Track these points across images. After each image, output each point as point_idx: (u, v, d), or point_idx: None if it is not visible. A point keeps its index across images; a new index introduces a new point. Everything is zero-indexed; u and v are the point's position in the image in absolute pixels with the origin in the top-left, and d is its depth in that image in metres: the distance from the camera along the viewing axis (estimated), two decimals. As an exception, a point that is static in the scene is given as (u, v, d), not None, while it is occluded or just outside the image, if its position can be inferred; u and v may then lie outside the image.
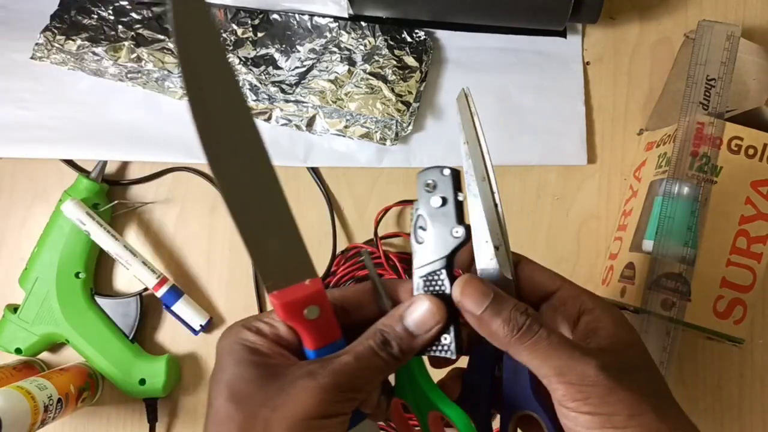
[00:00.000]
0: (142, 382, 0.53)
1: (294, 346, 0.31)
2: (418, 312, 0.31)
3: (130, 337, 0.54)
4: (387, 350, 0.30)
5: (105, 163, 0.56)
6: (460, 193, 0.32)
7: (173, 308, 0.55)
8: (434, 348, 0.32)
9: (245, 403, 0.28)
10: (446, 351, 0.31)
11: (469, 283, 0.31)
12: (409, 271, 0.55)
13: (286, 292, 0.29)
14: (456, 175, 0.32)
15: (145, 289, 0.56)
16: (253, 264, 0.30)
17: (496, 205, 0.33)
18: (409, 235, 0.57)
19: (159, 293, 0.54)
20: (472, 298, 0.30)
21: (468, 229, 0.32)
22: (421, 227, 0.33)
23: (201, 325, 0.55)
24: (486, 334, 0.30)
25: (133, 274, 0.54)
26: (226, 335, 0.31)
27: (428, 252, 0.32)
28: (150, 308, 0.56)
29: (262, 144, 0.30)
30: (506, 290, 0.32)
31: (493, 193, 0.33)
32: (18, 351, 0.53)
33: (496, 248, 0.33)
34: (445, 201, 0.32)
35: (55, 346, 0.56)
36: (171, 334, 0.57)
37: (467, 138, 0.35)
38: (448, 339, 0.31)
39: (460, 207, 0.32)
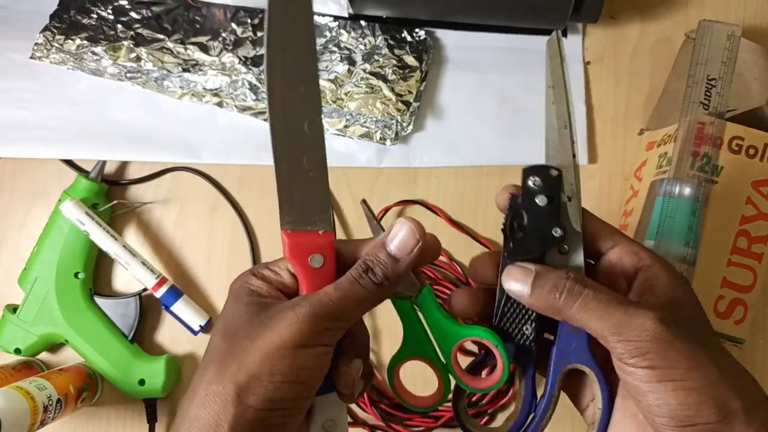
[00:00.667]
0: (142, 382, 0.53)
1: (293, 294, 0.31)
2: (399, 234, 0.31)
3: (130, 338, 0.54)
4: (369, 277, 0.30)
5: (104, 163, 0.56)
6: (563, 194, 0.33)
7: (172, 308, 0.55)
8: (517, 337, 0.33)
9: (231, 335, 0.29)
10: (527, 340, 0.33)
11: (511, 270, 0.32)
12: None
13: (299, 234, 0.31)
14: (561, 177, 0.33)
15: (145, 290, 0.55)
16: (279, 202, 0.32)
17: (573, 156, 0.33)
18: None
19: (158, 293, 0.54)
20: (517, 281, 0.31)
21: (565, 230, 0.32)
22: (518, 221, 0.33)
23: (200, 326, 0.55)
24: (541, 309, 0.31)
25: (132, 275, 0.54)
26: (236, 279, 0.33)
27: (524, 246, 0.33)
28: (149, 308, 0.56)
29: (319, 108, 0.31)
30: (575, 242, 0.32)
31: (573, 143, 0.33)
32: (17, 351, 0.53)
33: (569, 199, 0.33)
34: (551, 200, 0.33)
35: (55, 347, 0.56)
36: (170, 335, 0.57)
37: (554, 82, 0.35)
38: (528, 330, 0.33)
39: (563, 208, 0.33)
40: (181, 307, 0.55)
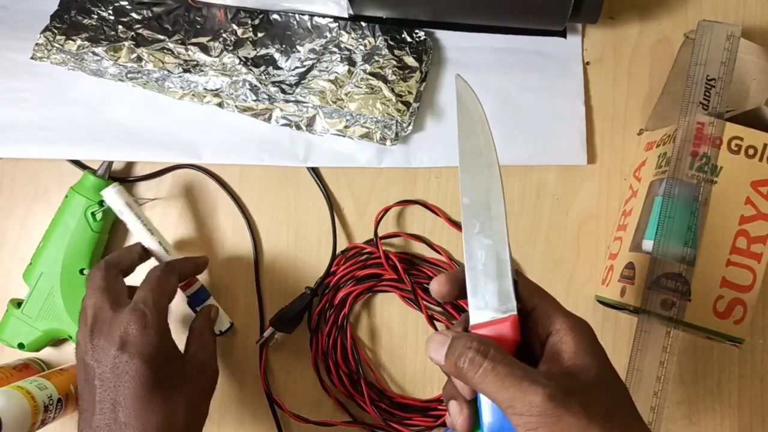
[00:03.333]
0: (143, 381, 0.53)
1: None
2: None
3: (132, 336, 0.54)
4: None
5: (111, 160, 0.56)
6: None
7: (199, 308, 0.54)
8: None
9: None
10: None
11: (432, 338, 0.33)
12: (408, 271, 0.56)
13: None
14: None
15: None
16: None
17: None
18: (409, 235, 0.57)
19: (187, 292, 0.54)
20: (435, 351, 0.33)
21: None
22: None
23: (221, 330, 0.55)
24: (452, 375, 0.33)
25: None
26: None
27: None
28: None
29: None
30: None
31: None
32: (21, 346, 0.53)
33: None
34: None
35: (57, 342, 0.56)
36: (175, 333, 0.56)
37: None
38: None
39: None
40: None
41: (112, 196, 0.52)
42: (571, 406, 0.29)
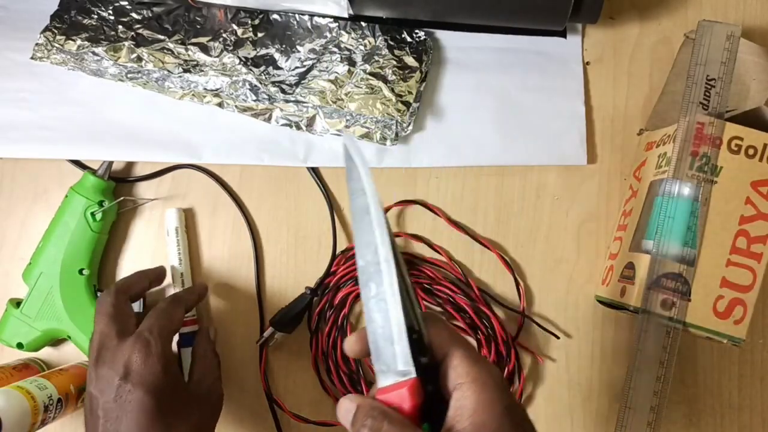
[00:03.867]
0: (143, 381, 0.53)
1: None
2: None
3: (132, 336, 0.54)
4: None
5: (111, 160, 0.56)
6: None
7: (183, 350, 0.54)
8: None
9: None
10: None
11: (342, 403, 0.34)
12: (409, 271, 0.56)
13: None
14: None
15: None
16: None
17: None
18: (409, 235, 0.57)
19: (183, 329, 0.54)
20: (342, 416, 0.34)
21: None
22: None
23: None
24: None
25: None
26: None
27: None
28: (152, 306, 0.56)
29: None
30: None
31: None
32: (20, 346, 0.53)
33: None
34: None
35: (56, 342, 0.56)
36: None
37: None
38: None
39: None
40: (189, 356, 0.54)
41: (173, 216, 0.56)
42: None
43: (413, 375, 0.32)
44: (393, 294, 0.32)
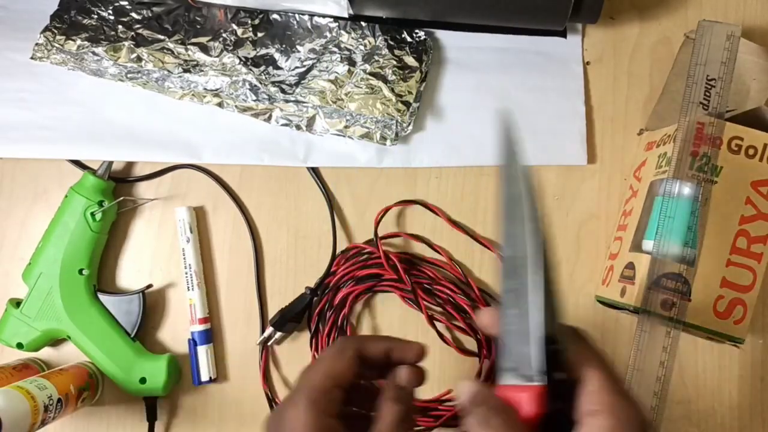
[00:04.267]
0: (143, 380, 0.53)
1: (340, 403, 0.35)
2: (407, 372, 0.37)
3: (132, 335, 0.54)
4: None
5: (111, 160, 0.56)
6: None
7: (198, 348, 0.55)
8: None
9: None
10: None
11: (465, 385, 0.32)
12: (408, 271, 0.56)
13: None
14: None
15: (149, 287, 0.56)
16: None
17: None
18: (409, 235, 0.57)
19: (195, 328, 0.55)
20: (464, 396, 0.32)
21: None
22: None
23: (205, 380, 0.55)
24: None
25: (188, 297, 0.56)
26: (301, 408, 0.34)
27: None
28: (152, 307, 0.56)
29: None
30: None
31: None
32: (20, 346, 0.53)
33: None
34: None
35: (56, 342, 0.56)
36: (172, 334, 0.57)
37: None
38: None
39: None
40: (204, 352, 0.55)
41: (185, 214, 0.56)
42: None
43: (540, 383, 0.30)
44: (536, 293, 0.30)
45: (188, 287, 0.56)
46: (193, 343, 0.55)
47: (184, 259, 0.56)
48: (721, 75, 0.49)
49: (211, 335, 0.56)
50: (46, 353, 0.56)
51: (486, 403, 0.30)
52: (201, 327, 0.55)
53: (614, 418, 0.29)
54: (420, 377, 0.37)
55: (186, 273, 0.56)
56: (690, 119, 0.49)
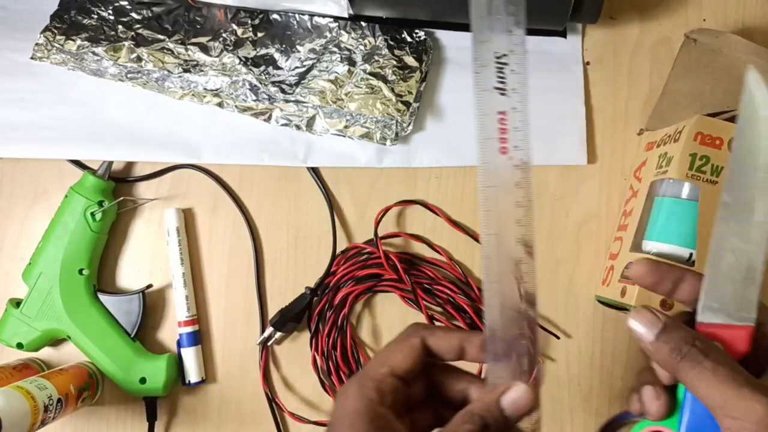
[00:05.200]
0: (143, 380, 0.53)
1: (403, 397, 0.33)
2: (516, 396, 0.32)
3: (132, 335, 0.54)
4: None
5: (111, 160, 0.56)
6: None
7: (184, 349, 0.55)
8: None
9: None
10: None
11: (641, 312, 0.31)
12: (408, 271, 0.56)
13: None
14: None
15: (149, 287, 0.56)
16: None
17: None
18: (409, 235, 0.57)
19: (182, 330, 0.55)
20: (643, 325, 0.31)
21: None
22: None
23: (193, 381, 0.55)
24: (656, 360, 0.31)
25: (175, 298, 0.56)
26: (350, 395, 0.32)
27: None
28: (152, 307, 0.56)
29: None
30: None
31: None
32: (20, 346, 0.53)
33: None
34: None
35: (56, 342, 0.56)
36: (172, 334, 0.57)
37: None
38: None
39: None
40: (190, 354, 0.55)
41: (173, 216, 0.56)
42: None
43: (751, 323, 0.31)
44: (761, 241, 0.31)
45: (173, 289, 0.56)
46: (179, 346, 0.55)
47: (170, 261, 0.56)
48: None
49: (199, 337, 0.56)
50: (46, 353, 0.56)
51: (689, 342, 0.30)
52: (189, 329, 0.55)
53: None
54: (528, 404, 0.32)
55: (173, 276, 0.56)
56: (688, 119, 0.48)
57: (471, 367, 0.38)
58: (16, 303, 0.54)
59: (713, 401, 0.29)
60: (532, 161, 0.33)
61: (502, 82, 0.36)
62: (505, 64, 0.35)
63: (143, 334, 0.56)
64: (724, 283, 0.31)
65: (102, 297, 0.55)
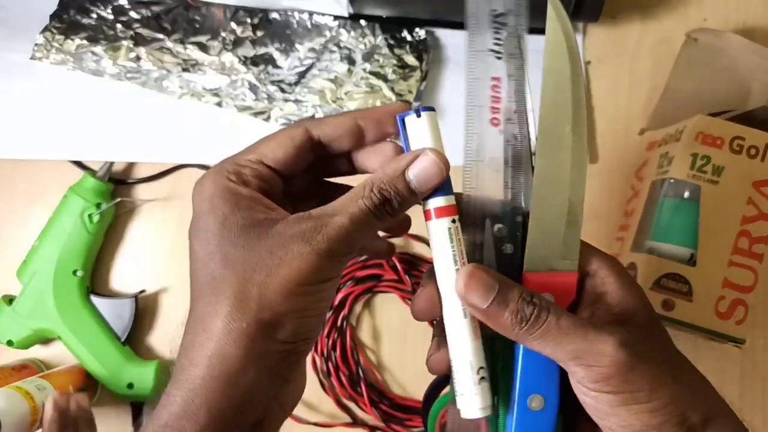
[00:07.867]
0: (131, 386, 0.53)
1: (273, 192, 0.29)
2: (422, 166, 0.30)
3: (123, 340, 0.54)
4: (386, 210, 0.28)
5: (112, 162, 0.56)
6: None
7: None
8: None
9: (235, 264, 0.27)
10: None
11: (473, 276, 0.28)
12: (409, 271, 0.55)
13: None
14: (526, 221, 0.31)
15: (142, 292, 0.55)
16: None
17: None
18: (409, 235, 0.57)
19: None
20: (476, 292, 0.28)
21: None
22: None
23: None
24: (495, 327, 0.28)
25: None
26: (205, 183, 0.29)
27: None
28: (144, 311, 0.56)
29: None
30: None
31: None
32: (9, 343, 0.53)
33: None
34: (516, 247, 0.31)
35: (48, 342, 0.56)
36: (162, 340, 0.56)
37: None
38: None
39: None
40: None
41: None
42: (640, 353, 0.27)
43: (575, 269, 0.30)
44: (580, 179, 0.30)
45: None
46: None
47: None
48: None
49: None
50: (45, 353, 0.56)
51: (528, 299, 0.28)
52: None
53: (618, 270, 0.29)
54: (438, 174, 0.33)
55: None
56: (692, 119, 0.48)
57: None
58: (9, 300, 0.54)
59: (564, 354, 0.27)
60: (530, 141, 0.31)
61: (498, 44, 0.32)
62: (503, 24, 0.32)
63: (134, 339, 0.55)
64: (548, 229, 0.30)
65: (95, 299, 0.54)
